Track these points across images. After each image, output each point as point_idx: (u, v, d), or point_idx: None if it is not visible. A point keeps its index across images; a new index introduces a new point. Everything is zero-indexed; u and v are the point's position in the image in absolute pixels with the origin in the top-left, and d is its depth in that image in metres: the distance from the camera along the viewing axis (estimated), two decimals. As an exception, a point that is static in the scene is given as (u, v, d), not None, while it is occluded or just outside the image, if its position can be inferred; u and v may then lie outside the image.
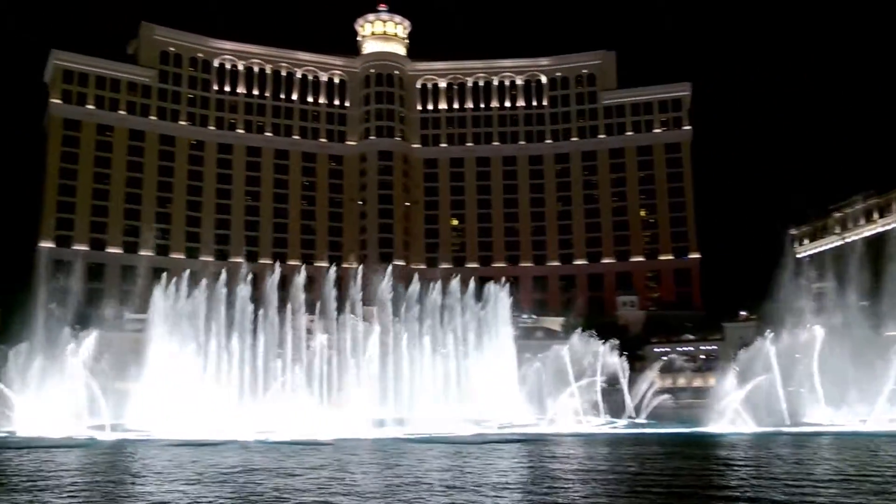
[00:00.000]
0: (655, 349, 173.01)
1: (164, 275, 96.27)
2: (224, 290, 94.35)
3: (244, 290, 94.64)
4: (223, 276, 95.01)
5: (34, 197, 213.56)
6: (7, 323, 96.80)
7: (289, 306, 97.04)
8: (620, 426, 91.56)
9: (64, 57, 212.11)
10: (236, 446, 64.66)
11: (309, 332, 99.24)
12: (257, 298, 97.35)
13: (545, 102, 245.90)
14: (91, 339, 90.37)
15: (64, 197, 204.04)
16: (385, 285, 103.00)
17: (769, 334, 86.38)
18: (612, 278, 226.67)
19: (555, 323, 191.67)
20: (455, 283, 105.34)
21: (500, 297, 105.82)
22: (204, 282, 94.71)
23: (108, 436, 76.91)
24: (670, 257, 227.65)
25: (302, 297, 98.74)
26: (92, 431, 78.07)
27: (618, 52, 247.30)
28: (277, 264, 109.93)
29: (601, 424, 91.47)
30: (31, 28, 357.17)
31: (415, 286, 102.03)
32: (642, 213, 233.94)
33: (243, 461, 50.38)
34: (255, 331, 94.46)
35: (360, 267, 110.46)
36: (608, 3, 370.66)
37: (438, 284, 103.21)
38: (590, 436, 78.39)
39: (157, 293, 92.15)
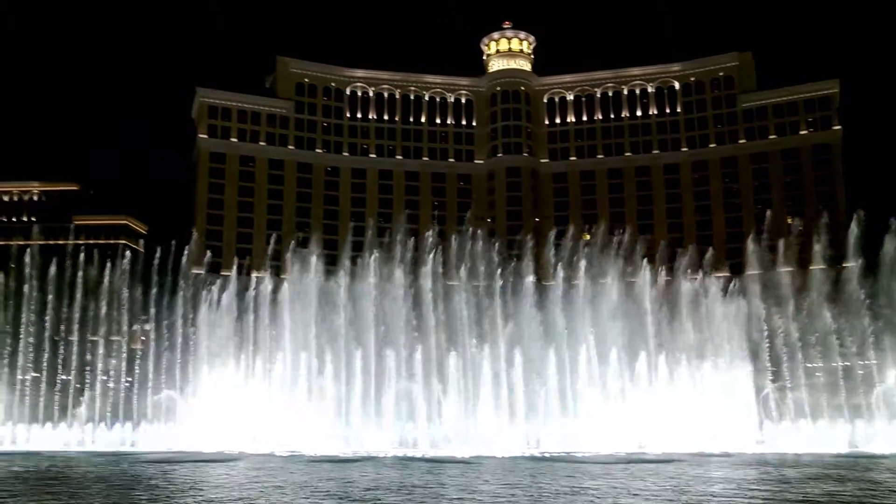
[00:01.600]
0: (806, 364, 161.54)
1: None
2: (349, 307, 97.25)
3: (380, 308, 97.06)
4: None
5: (187, 226, 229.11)
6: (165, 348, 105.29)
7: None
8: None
9: (208, 94, 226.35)
10: (374, 462, 65.36)
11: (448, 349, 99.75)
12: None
13: (679, 109, 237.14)
14: (242, 359, 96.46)
15: (212, 226, 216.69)
16: (518, 303, 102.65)
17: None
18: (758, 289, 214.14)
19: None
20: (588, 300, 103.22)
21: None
22: (340, 299, 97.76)
23: (255, 449, 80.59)
24: (822, 266, 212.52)
25: (441, 315, 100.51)
26: (242, 446, 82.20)
27: (755, 52, 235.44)
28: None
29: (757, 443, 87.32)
30: (179, 69, 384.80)
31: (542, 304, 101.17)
32: (789, 220, 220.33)
33: (379, 477, 50.41)
34: (394, 349, 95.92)
35: (493, 283, 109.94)
36: (740, 3, 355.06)
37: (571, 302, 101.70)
38: (742, 455, 74.30)
39: (287, 311, 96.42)
